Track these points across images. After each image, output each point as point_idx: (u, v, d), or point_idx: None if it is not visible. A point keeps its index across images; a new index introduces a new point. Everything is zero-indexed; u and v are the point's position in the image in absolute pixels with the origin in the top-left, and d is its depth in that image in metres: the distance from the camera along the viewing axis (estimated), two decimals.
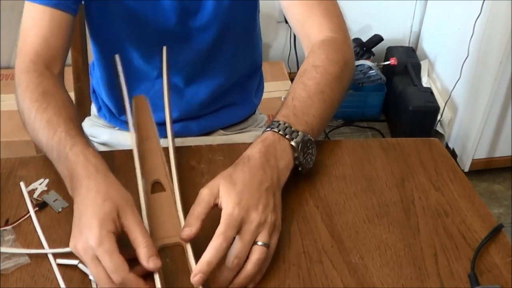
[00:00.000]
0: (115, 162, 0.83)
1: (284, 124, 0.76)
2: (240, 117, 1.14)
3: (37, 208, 0.75)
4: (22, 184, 0.78)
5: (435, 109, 2.17)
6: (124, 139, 1.06)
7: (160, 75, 1.00)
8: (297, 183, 0.81)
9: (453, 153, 2.15)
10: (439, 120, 2.23)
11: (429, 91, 2.22)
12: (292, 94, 0.82)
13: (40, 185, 0.78)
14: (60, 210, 0.75)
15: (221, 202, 0.67)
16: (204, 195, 0.68)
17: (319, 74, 0.83)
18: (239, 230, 0.65)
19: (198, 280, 0.62)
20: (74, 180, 0.69)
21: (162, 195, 0.76)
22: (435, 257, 0.71)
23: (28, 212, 0.74)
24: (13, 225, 0.72)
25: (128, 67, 1.01)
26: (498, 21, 1.85)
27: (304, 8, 0.91)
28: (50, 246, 0.70)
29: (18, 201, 0.76)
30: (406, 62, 2.32)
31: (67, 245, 0.69)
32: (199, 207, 0.67)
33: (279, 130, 0.75)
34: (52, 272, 0.67)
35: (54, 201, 0.76)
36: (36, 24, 0.86)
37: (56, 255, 0.68)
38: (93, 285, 0.65)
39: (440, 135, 2.24)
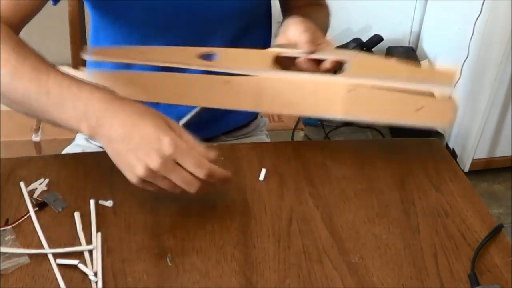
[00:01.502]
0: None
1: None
2: (242, 120, 1.14)
3: (37, 208, 0.75)
4: (22, 184, 0.78)
5: None
6: None
7: None
8: (297, 183, 0.81)
9: (453, 153, 2.15)
10: None
11: None
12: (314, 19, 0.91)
13: (40, 185, 0.78)
14: (60, 210, 0.75)
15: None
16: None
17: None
18: None
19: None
20: (99, 115, 0.68)
21: None
22: (435, 257, 0.71)
23: (28, 212, 0.74)
24: (13, 225, 0.72)
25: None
26: (498, 21, 1.85)
27: None
28: (50, 246, 0.70)
29: (18, 201, 0.76)
30: (406, 62, 2.32)
31: (67, 245, 0.69)
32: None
33: None
34: (52, 272, 0.67)
35: (54, 201, 0.76)
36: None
37: (56, 255, 0.68)
38: (93, 285, 0.65)
39: (440, 135, 2.24)
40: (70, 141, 1.12)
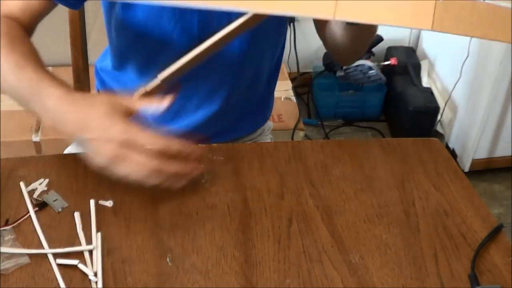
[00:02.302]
0: None
1: None
2: (252, 129, 1.14)
3: (37, 208, 0.75)
4: (22, 184, 0.78)
5: (435, 109, 2.17)
6: None
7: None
8: (297, 183, 0.81)
9: (453, 153, 2.15)
10: (439, 120, 2.23)
11: (429, 91, 2.22)
12: None
13: (40, 185, 0.78)
14: (60, 210, 0.75)
15: None
16: None
17: None
18: None
19: None
20: (53, 116, 0.72)
21: None
22: (435, 257, 0.71)
23: (28, 212, 0.74)
24: (13, 225, 0.72)
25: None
26: None
27: None
28: (50, 246, 0.70)
29: (18, 201, 0.76)
30: (406, 62, 2.32)
31: (67, 245, 0.69)
32: None
33: None
34: (52, 272, 0.67)
35: (54, 201, 0.76)
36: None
37: (56, 255, 0.68)
38: (93, 285, 0.65)
39: (440, 135, 2.24)
40: (70, 141, 1.12)
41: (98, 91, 1.14)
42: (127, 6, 0.92)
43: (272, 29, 1.00)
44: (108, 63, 1.08)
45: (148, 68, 0.99)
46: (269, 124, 1.22)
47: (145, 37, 0.94)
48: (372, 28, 0.93)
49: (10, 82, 0.77)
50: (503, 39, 0.68)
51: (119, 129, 0.69)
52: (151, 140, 0.69)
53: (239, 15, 0.90)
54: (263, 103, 1.13)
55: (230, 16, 0.91)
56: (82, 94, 0.75)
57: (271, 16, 0.75)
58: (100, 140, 0.70)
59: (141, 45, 0.96)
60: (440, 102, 2.22)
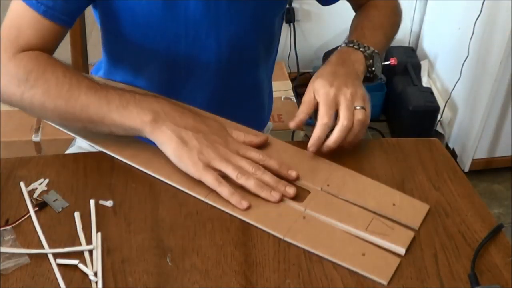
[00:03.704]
0: (115, 164, 0.83)
1: (357, 41, 0.92)
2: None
3: (37, 208, 0.75)
4: (22, 184, 0.78)
5: (435, 109, 2.17)
6: None
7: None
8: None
9: (453, 153, 2.15)
10: (439, 120, 2.23)
11: (429, 91, 2.22)
12: (360, 24, 1.00)
13: (40, 185, 0.78)
14: (60, 210, 0.75)
15: (318, 94, 0.83)
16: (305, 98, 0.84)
17: (382, 15, 1.09)
18: (337, 106, 0.82)
19: (313, 150, 0.82)
20: (167, 110, 0.79)
21: None
22: (435, 257, 0.71)
23: (28, 212, 0.74)
24: (13, 225, 0.72)
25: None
26: (498, 21, 1.85)
27: None
28: (50, 246, 0.70)
29: (18, 201, 0.76)
30: (406, 62, 2.32)
31: (67, 245, 0.69)
32: (303, 107, 0.84)
33: (353, 45, 0.91)
34: (52, 272, 0.67)
35: (54, 201, 0.76)
36: (34, 27, 0.84)
37: (56, 255, 0.68)
38: (93, 285, 0.65)
39: (440, 135, 2.24)
40: (70, 141, 1.12)
41: None
42: (112, 19, 0.92)
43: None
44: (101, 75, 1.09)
45: (136, 80, 1.00)
46: (269, 124, 1.22)
47: (134, 47, 0.95)
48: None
49: (87, 103, 0.79)
50: (349, 264, 0.69)
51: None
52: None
53: (227, 31, 0.92)
54: (261, 104, 1.13)
55: (219, 31, 0.92)
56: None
57: None
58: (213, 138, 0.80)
59: (132, 55, 0.98)
60: (440, 102, 2.22)
